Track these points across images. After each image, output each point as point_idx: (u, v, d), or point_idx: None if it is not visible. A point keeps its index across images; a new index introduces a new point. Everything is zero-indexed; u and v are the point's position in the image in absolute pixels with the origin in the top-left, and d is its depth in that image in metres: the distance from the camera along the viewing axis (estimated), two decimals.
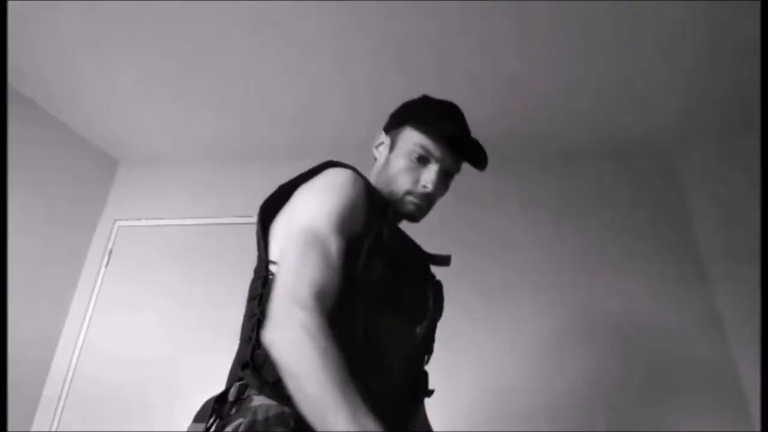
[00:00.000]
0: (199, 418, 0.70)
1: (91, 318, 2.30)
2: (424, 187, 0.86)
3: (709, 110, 2.07)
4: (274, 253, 0.77)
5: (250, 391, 0.68)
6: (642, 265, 2.11)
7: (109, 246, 2.46)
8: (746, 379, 1.85)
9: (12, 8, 1.66)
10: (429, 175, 0.86)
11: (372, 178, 0.92)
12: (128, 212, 2.55)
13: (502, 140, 2.31)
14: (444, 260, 0.91)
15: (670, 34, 1.69)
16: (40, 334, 2.19)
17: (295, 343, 0.59)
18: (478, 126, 2.26)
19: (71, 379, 2.18)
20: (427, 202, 0.89)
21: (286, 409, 0.64)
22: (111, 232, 2.50)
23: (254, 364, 0.70)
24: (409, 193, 0.87)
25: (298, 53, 1.83)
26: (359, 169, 0.86)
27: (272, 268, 0.76)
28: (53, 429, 2.09)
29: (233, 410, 0.67)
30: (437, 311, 0.88)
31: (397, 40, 1.76)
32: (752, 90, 1.89)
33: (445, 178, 0.90)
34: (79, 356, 2.22)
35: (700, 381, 1.88)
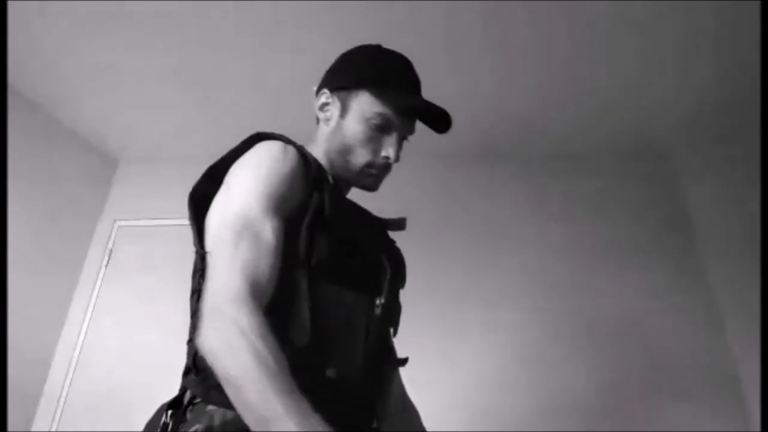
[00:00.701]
0: (151, 424, 0.66)
1: (91, 318, 2.30)
2: (386, 158, 0.80)
3: (710, 111, 2.08)
4: (209, 243, 0.69)
5: (200, 399, 0.64)
6: (642, 265, 2.11)
7: (109, 246, 2.46)
8: (746, 379, 1.85)
9: (12, 8, 1.66)
10: (391, 146, 0.80)
11: (319, 143, 0.84)
12: (128, 212, 2.55)
13: (500, 140, 2.31)
14: (399, 224, 0.84)
15: (671, 38, 1.69)
16: (40, 334, 2.19)
17: (228, 345, 0.54)
18: (480, 126, 2.27)
19: (71, 379, 2.18)
20: (386, 172, 0.84)
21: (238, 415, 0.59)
22: (111, 232, 2.50)
23: (197, 368, 0.65)
24: (370, 164, 0.81)
25: (298, 53, 1.83)
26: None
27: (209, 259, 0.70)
28: (53, 429, 2.09)
29: (188, 415, 0.63)
30: (396, 280, 0.80)
31: (403, 36, 1.76)
32: (752, 91, 1.89)
33: (401, 143, 0.83)
34: (79, 356, 2.22)
35: (700, 381, 1.88)
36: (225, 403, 0.59)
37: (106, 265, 2.42)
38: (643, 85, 1.93)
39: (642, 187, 2.29)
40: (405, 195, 2.39)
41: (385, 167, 0.83)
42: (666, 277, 2.08)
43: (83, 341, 2.25)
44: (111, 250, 2.45)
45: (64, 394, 2.15)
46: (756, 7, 1.53)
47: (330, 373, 0.64)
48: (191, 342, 0.67)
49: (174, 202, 2.57)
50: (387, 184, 0.89)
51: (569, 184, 2.34)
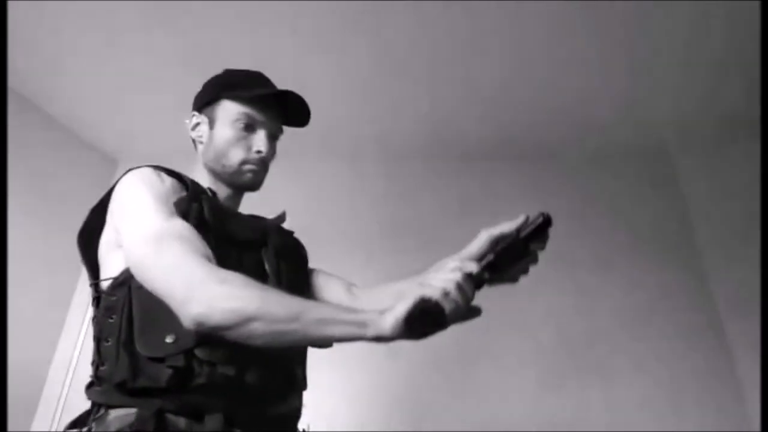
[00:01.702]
0: None
1: (91, 318, 2.29)
2: (258, 152, 0.87)
3: (710, 112, 2.08)
4: (105, 273, 0.77)
5: (102, 409, 0.67)
6: (642, 265, 2.11)
7: None
8: (746, 379, 1.85)
9: (12, 8, 1.66)
10: (260, 140, 0.87)
11: (198, 161, 0.92)
12: None
13: (500, 141, 2.31)
14: (278, 219, 0.92)
15: (672, 39, 1.69)
16: (40, 334, 2.19)
17: (230, 298, 0.59)
18: (480, 128, 2.27)
19: (71, 379, 2.18)
20: (263, 166, 0.89)
21: (136, 411, 0.63)
22: None
23: (100, 380, 0.69)
24: (244, 162, 0.87)
25: (298, 54, 1.83)
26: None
27: (103, 286, 0.75)
28: (53, 429, 2.09)
29: (93, 427, 0.67)
30: (284, 270, 0.84)
31: (403, 36, 1.76)
32: (753, 91, 1.89)
33: (272, 142, 0.90)
34: (79, 356, 2.22)
35: (700, 381, 1.88)
36: (125, 402, 0.65)
37: None
38: (643, 85, 1.93)
39: (642, 187, 2.28)
40: (422, 201, 2.39)
41: (261, 162, 0.88)
42: (665, 277, 2.08)
43: (83, 341, 2.24)
44: None
45: (64, 394, 2.15)
46: (756, 8, 1.53)
47: (227, 370, 0.68)
48: (93, 363, 0.72)
49: None
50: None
51: (569, 184, 2.34)
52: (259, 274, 0.77)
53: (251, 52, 1.85)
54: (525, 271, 0.74)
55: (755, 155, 2.00)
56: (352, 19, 1.67)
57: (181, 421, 0.64)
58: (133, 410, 0.64)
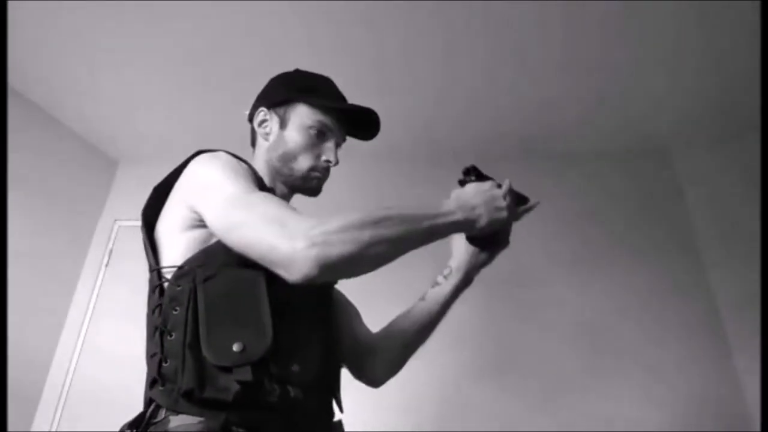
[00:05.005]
0: None
1: (91, 318, 2.30)
2: (328, 161, 0.88)
3: (710, 112, 2.08)
4: (166, 259, 0.73)
5: (165, 412, 0.63)
6: (642, 265, 2.11)
7: (109, 246, 2.46)
8: (746, 379, 1.85)
9: (12, 8, 1.66)
10: (330, 150, 0.88)
11: (258, 157, 0.91)
12: (128, 212, 2.55)
13: (500, 140, 2.31)
14: None
15: (671, 39, 1.69)
16: (41, 334, 2.19)
17: (343, 228, 0.61)
18: (478, 126, 2.27)
19: (71, 379, 2.18)
20: (327, 175, 0.91)
21: (200, 424, 0.61)
22: (111, 232, 2.50)
23: (163, 379, 0.65)
24: (313, 168, 0.88)
25: (299, 54, 1.83)
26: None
27: (166, 273, 0.71)
28: (53, 429, 2.09)
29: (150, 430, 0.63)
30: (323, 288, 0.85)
31: (403, 38, 1.76)
32: (752, 90, 1.89)
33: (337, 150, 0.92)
34: (79, 356, 2.22)
35: (700, 381, 1.88)
36: (192, 411, 0.61)
37: (106, 265, 2.42)
38: (643, 85, 1.93)
39: (642, 187, 2.28)
40: (400, 197, 2.39)
41: (326, 170, 0.90)
42: (666, 277, 2.08)
43: (83, 341, 2.25)
44: (111, 250, 2.45)
45: (64, 394, 2.15)
46: (756, 7, 1.53)
47: (294, 368, 0.68)
48: (154, 356, 0.68)
49: None
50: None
51: (568, 184, 2.34)
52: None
53: (252, 52, 1.85)
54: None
55: (755, 155, 2.00)
56: (344, 21, 1.67)
57: None
58: (197, 420, 0.61)
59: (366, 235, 0.61)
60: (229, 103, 2.15)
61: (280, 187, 0.90)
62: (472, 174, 0.89)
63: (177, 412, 0.62)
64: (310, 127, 0.87)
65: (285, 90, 0.92)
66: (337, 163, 0.89)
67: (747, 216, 2.04)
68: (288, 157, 0.87)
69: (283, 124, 0.89)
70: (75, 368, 2.20)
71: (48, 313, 2.24)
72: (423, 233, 0.69)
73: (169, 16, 1.69)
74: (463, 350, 2.04)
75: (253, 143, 0.96)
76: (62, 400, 2.14)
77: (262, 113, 0.93)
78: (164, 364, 0.65)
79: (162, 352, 0.66)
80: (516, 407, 1.92)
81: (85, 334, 2.26)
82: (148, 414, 0.65)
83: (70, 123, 2.36)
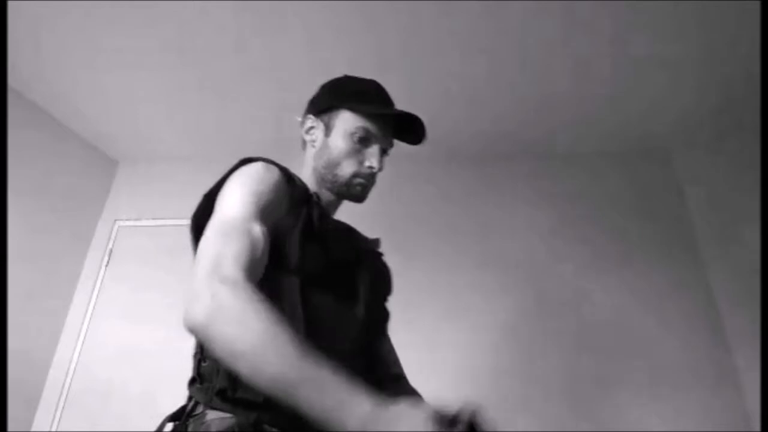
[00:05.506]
0: None
1: (91, 318, 2.30)
2: (371, 167, 0.88)
3: (710, 112, 2.08)
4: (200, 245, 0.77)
5: (202, 407, 0.68)
6: (642, 265, 2.12)
7: (109, 246, 2.46)
8: (746, 379, 1.85)
9: (12, 8, 1.66)
10: (373, 155, 0.88)
11: (307, 163, 0.93)
12: (128, 212, 2.55)
13: (502, 140, 2.31)
14: (375, 242, 0.94)
15: (671, 37, 1.69)
16: (41, 334, 2.19)
17: (228, 318, 0.55)
18: (480, 126, 2.27)
19: (71, 379, 2.18)
20: (372, 180, 0.91)
21: (234, 419, 0.64)
22: (111, 232, 2.50)
23: (201, 378, 0.70)
24: (356, 174, 0.88)
25: (300, 52, 1.83)
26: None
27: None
28: (53, 429, 2.09)
29: (189, 425, 0.67)
30: (376, 294, 0.85)
31: (402, 37, 1.76)
32: (752, 90, 1.89)
33: (383, 156, 0.91)
34: (79, 356, 2.22)
35: (700, 381, 1.89)
36: (224, 408, 0.65)
37: (106, 265, 2.42)
38: (643, 85, 1.93)
39: (642, 187, 2.29)
40: (406, 198, 2.39)
41: (372, 176, 0.90)
42: (666, 277, 2.08)
43: (83, 341, 2.25)
44: (111, 250, 2.45)
45: (64, 394, 2.15)
46: (756, 7, 1.53)
47: None
48: (195, 356, 0.74)
49: (174, 202, 2.58)
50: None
51: (568, 184, 2.34)
52: (350, 293, 0.79)
53: (252, 53, 1.85)
54: None
55: (755, 155, 2.00)
56: (343, 22, 1.67)
57: None
58: (230, 416, 0.64)
59: (247, 338, 0.54)
60: (229, 103, 2.15)
61: (326, 194, 0.90)
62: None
63: (212, 408, 0.66)
64: (353, 133, 0.87)
65: (330, 97, 0.92)
66: (381, 169, 0.88)
67: (747, 216, 2.04)
68: (332, 164, 0.88)
69: (327, 131, 0.90)
70: (75, 368, 2.20)
71: (48, 314, 2.24)
72: (292, 393, 0.53)
73: (170, 16, 1.68)
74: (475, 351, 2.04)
75: (304, 148, 0.97)
76: (62, 400, 2.14)
77: (309, 120, 0.93)
78: (203, 364, 0.71)
79: (201, 352, 0.72)
80: (516, 408, 1.92)
81: (85, 334, 2.26)
82: (188, 408, 0.70)
83: (70, 123, 2.36)
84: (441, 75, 1.91)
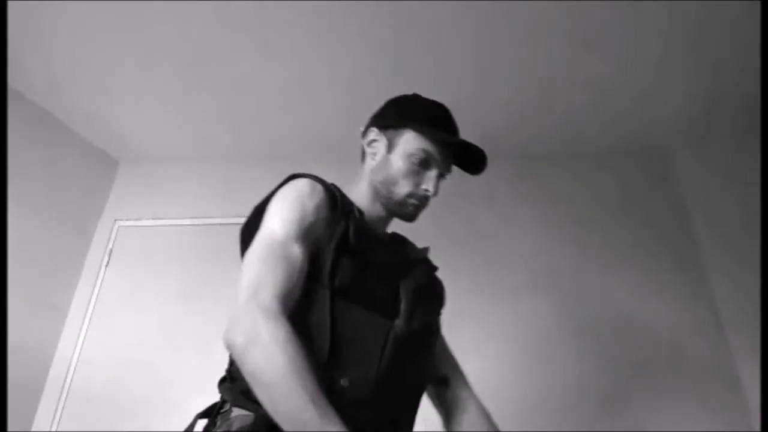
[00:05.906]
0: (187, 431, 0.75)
1: (91, 318, 2.30)
2: (426, 191, 0.89)
3: (710, 110, 2.08)
4: (243, 264, 0.81)
5: (228, 405, 0.73)
6: (642, 266, 2.12)
7: (109, 246, 2.46)
8: (746, 378, 1.85)
9: (12, 8, 1.66)
10: (431, 180, 0.89)
11: (365, 175, 0.95)
12: (128, 212, 2.55)
13: (500, 140, 2.31)
14: (424, 251, 0.94)
15: (670, 38, 1.69)
16: (40, 334, 2.19)
17: (260, 349, 0.62)
18: (475, 125, 2.27)
19: (71, 379, 2.18)
20: (425, 203, 0.93)
21: (258, 416, 0.67)
22: (111, 232, 2.50)
23: (231, 378, 0.76)
24: (411, 195, 0.90)
25: (298, 54, 1.83)
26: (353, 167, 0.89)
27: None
28: (53, 429, 2.09)
29: (217, 423, 0.72)
30: (420, 306, 0.83)
31: (398, 38, 1.76)
32: (752, 89, 1.89)
33: (440, 181, 0.93)
34: (79, 356, 2.22)
35: (700, 381, 1.89)
36: (248, 406, 0.69)
37: (106, 265, 2.42)
38: (642, 85, 1.94)
39: (642, 187, 2.29)
40: None
41: (426, 199, 0.92)
42: (666, 276, 2.08)
43: (83, 341, 2.25)
44: (111, 250, 2.45)
45: (64, 394, 2.15)
46: (756, 7, 1.53)
47: (343, 382, 0.69)
48: (230, 357, 0.77)
49: (175, 202, 2.59)
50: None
51: (569, 183, 2.34)
52: (390, 305, 0.79)
53: (253, 54, 1.85)
54: None
55: (755, 155, 2.00)
56: (342, 25, 1.67)
57: None
58: (252, 414, 0.68)
59: (271, 371, 0.61)
60: (229, 105, 2.15)
61: (378, 208, 0.93)
62: None
63: (237, 406, 0.71)
64: (414, 155, 0.89)
65: (397, 114, 0.94)
66: (436, 194, 0.90)
67: (747, 216, 2.04)
68: (389, 181, 0.90)
69: (390, 148, 0.92)
70: (75, 368, 2.20)
71: (48, 313, 2.24)
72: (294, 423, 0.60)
73: (170, 16, 1.69)
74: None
75: (363, 159, 0.98)
76: (63, 400, 2.14)
77: (373, 133, 0.95)
78: (232, 366, 0.75)
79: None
80: (517, 407, 1.92)
81: (86, 334, 2.26)
82: (218, 406, 0.75)
83: (70, 123, 2.36)
84: (436, 75, 1.91)
